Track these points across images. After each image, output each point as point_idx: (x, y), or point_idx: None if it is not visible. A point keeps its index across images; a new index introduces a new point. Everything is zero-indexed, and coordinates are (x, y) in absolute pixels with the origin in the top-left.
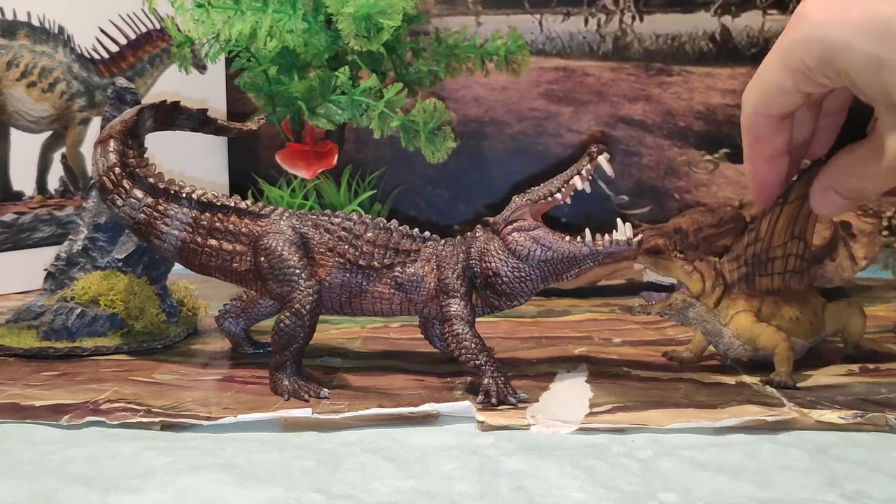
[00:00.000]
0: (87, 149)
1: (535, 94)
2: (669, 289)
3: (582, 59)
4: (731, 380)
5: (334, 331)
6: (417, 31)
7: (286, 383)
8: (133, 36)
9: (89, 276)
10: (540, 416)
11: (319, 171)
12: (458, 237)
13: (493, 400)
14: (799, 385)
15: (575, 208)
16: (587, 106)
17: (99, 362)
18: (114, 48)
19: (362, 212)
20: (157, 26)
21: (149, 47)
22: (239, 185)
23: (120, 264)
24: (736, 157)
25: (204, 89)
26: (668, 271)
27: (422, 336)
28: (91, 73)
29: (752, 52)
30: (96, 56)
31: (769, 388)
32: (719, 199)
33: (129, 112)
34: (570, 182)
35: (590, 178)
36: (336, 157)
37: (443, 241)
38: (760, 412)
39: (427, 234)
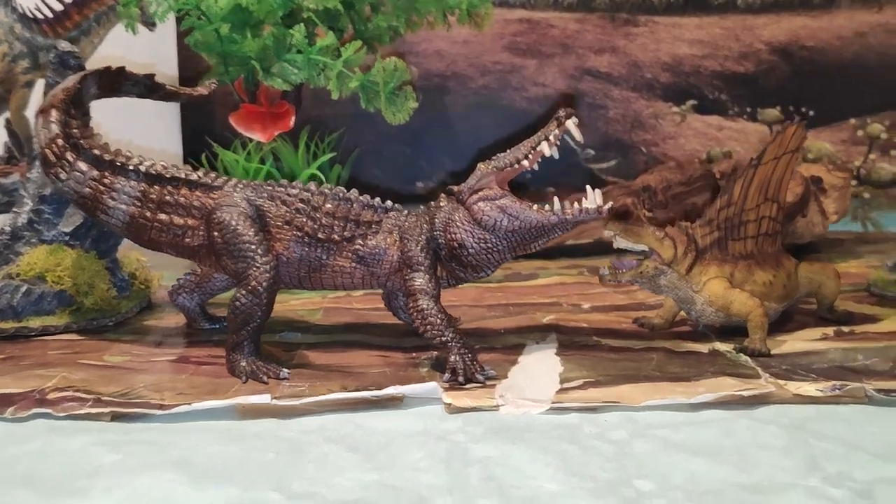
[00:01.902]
0: (32, 113)
1: (499, 47)
2: (640, 255)
3: (546, 10)
4: (704, 348)
5: (294, 301)
6: None
7: (244, 364)
8: None
9: (35, 251)
10: (509, 394)
11: (276, 133)
12: (422, 207)
13: (461, 378)
14: (774, 352)
15: (541, 161)
16: (552, 59)
17: (47, 343)
18: (58, 7)
19: (322, 176)
20: None
21: (94, 5)
22: (193, 150)
23: (67, 238)
24: (703, 108)
25: (154, 47)
26: (638, 238)
27: (385, 306)
28: (34, 33)
29: (719, 2)
30: (39, 15)
31: (743, 357)
32: (687, 152)
33: (71, 79)
34: (538, 148)
35: (557, 143)
36: (293, 118)
37: (406, 212)
38: (736, 385)
39: (389, 203)
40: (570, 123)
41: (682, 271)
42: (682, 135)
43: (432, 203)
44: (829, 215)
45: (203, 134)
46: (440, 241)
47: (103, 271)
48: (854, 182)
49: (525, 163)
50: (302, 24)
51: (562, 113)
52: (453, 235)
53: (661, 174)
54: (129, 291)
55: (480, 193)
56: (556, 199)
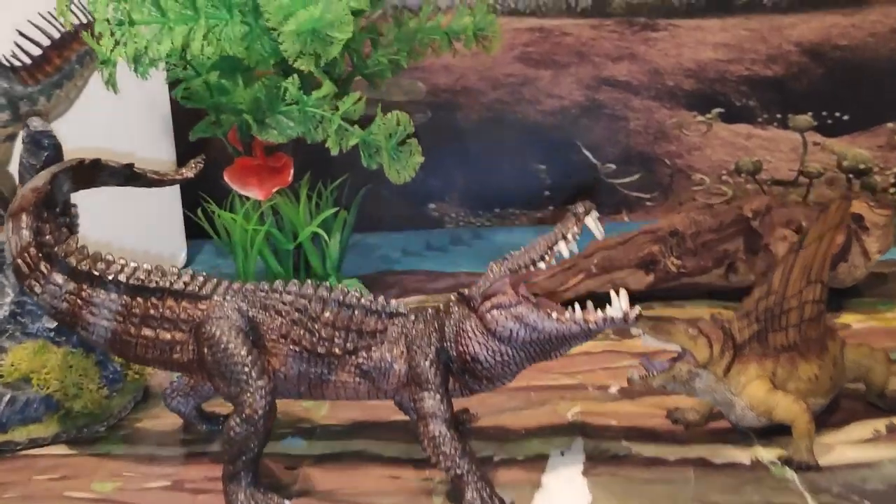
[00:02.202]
0: (15, 168)
1: (510, 59)
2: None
3: (559, 17)
4: (745, 457)
5: None
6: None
7: (241, 498)
8: (56, 35)
9: (18, 350)
10: None
11: (274, 189)
12: (431, 310)
13: None
14: (822, 462)
15: (560, 176)
16: (567, 69)
17: (34, 460)
18: (36, 51)
19: (325, 234)
20: (84, 19)
21: (76, 45)
22: (191, 205)
23: (52, 334)
24: (730, 116)
25: (144, 86)
26: (669, 336)
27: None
28: (13, 82)
29: (743, 2)
30: (16, 63)
31: (789, 472)
32: (714, 163)
33: (41, 178)
34: (554, 248)
35: (576, 240)
36: (291, 171)
37: (413, 316)
38: None
39: (394, 305)
40: (590, 220)
41: (719, 373)
42: (709, 145)
43: (441, 306)
44: (871, 255)
45: (197, 189)
46: (451, 352)
47: (92, 369)
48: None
49: (541, 265)
50: (295, 76)
51: (580, 208)
52: (465, 348)
53: (688, 216)
54: (122, 383)
55: (493, 300)
56: (576, 305)
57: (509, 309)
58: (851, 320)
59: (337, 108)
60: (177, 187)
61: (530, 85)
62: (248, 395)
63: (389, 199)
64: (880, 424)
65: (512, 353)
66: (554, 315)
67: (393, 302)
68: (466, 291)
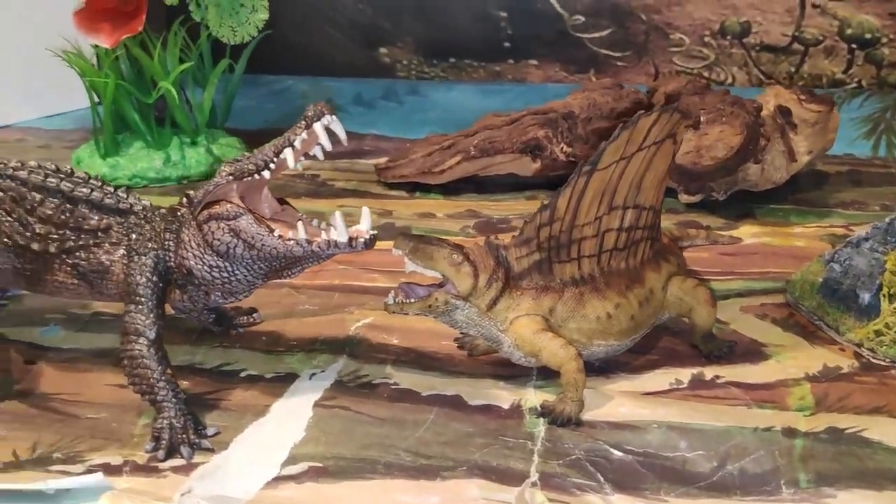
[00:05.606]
0: None
1: None
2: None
3: None
4: (508, 399)
5: None
6: None
7: None
8: None
9: None
10: (201, 487)
11: (122, 38)
12: (164, 211)
13: (161, 453)
14: (587, 415)
15: (522, 27)
16: None
17: None
18: None
19: (172, 91)
20: None
21: None
22: None
23: None
24: None
25: None
26: (430, 262)
27: None
28: None
29: None
30: None
31: (541, 425)
32: (695, 21)
33: None
34: (280, 156)
35: (309, 151)
36: (144, 17)
37: (143, 216)
38: None
39: (131, 200)
40: (319, 126)
41: (482, 306)
42: (691, 1)
43: (174, 207)
44: (798, 156)
45: None
46: (170, 263)
47: None
48: None
49: (266, 174)
50: None
51: (310, 111)
52: (182, 260)
53: (589, 96)
54: None
55: (213, 210)
56: (300, 224)
57: (228, 221)
58: (747, 234)
59: None
60: None
61: None
62: None
63: (335, 38)
64: (686, 374)
65: (232, 269)
66: (276, 233)
67: (132, 197)
68: (192, 193)
